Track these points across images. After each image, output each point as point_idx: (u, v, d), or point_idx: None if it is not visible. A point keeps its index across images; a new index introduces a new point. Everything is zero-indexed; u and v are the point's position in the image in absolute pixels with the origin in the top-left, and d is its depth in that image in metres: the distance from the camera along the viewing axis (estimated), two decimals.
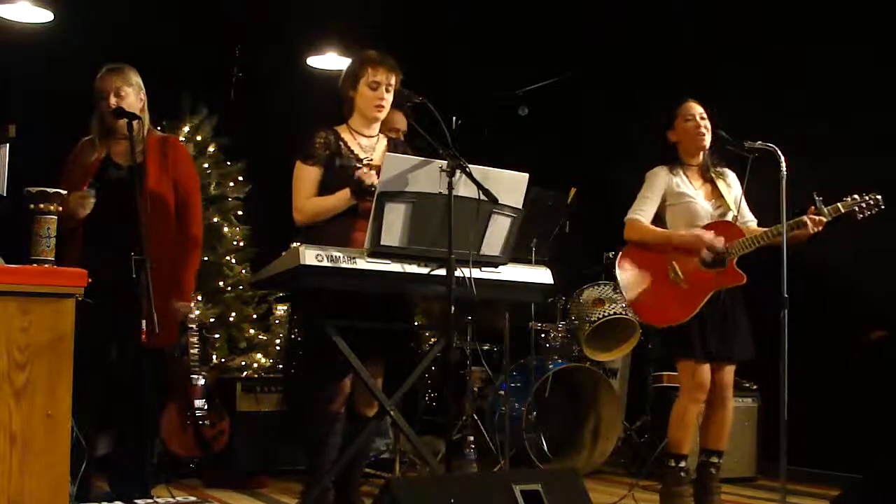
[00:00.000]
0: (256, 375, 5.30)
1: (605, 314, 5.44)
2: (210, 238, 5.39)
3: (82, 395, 2.76)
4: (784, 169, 3.65)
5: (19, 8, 5.33)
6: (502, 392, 5.29)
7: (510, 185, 3.35)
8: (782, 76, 5.32)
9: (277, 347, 5.59)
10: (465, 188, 3.24)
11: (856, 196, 3.84)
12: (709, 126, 4.07)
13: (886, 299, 4.77)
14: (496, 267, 3.43)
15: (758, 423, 5.19)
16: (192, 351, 4.89)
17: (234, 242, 5.73)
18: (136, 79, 3.80)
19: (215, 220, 5.63)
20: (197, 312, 4.97)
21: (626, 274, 4.10)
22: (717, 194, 4.10)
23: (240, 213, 5.81)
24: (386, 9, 5.70)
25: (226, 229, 5.70)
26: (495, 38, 6.32)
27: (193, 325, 4.91)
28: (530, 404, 5.26)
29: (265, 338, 5.70)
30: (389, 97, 3.61)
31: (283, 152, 3.80)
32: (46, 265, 2.67)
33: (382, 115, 3.65)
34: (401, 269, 3.25)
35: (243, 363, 5.45)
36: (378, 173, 3.30)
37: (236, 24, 5.89)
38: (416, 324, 4.02)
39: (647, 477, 4.74)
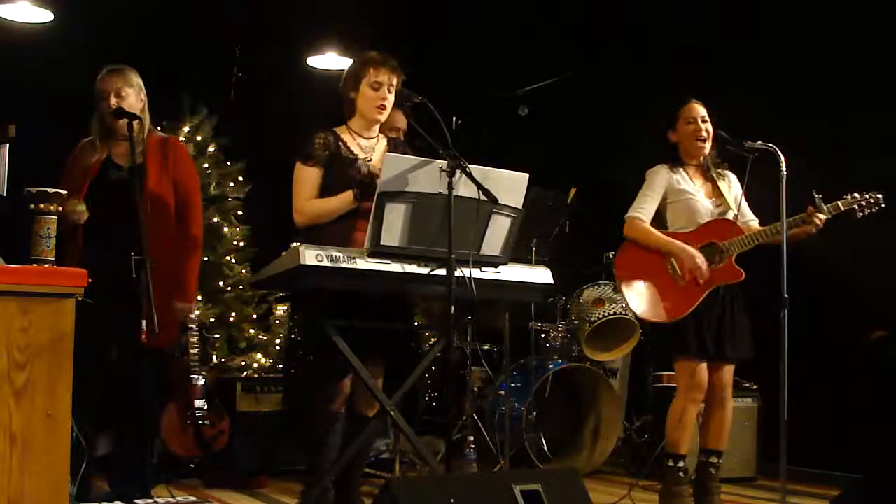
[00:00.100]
0: (256, 375, 5.30)
1: (605, 314, 5.44)
2: (210, 238, 5.39)
3: (82, 395, 2.76)
4: (784, 169, 3.65)
5: (19, 8, 5.33)
6: (502, 392, 5.29)
7: (510, 185, 3.35)
8: (782, 76, 5.32)
9: (277, 347, 5.60)
10: (465, 188, 3.24)
11: (856, 194, 3.85)
12: (710, 130, 4.06)
13: (886, 299, 4.76)
14: (496, 267, 3.43)
15: (758, 423, 5.19)
16: (192, 351, 4.89)
17: (234, 242, 5.73)
18: (136, 79, 3.80)
19: (215, 220, 5.63)
20: (197, 312, 4.97)
21: (625, 271, 4.10)
22: (717, 193, 4.10)
23: (240, 213, 5.81)
24: (386, 9, 5.70)
25: (226, 229, 5.70)
26: (495, 38, 6.31)
27: (193, 325, 4.91)
28: (530, 404, 5.26)
29: (265, 338, 5.70)
30: (391, 98, 3.60)
31: (283, 152, 3.80)
32: (46, 265, 2.67)
33: (384, 116, 3.65)
34: (401, 269, 3.25)
35: (243, 363, 5.46)
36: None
37: (236, 24, 5.89)
38: (416, 324, 4.02)
39: (647, 477, 4.74)
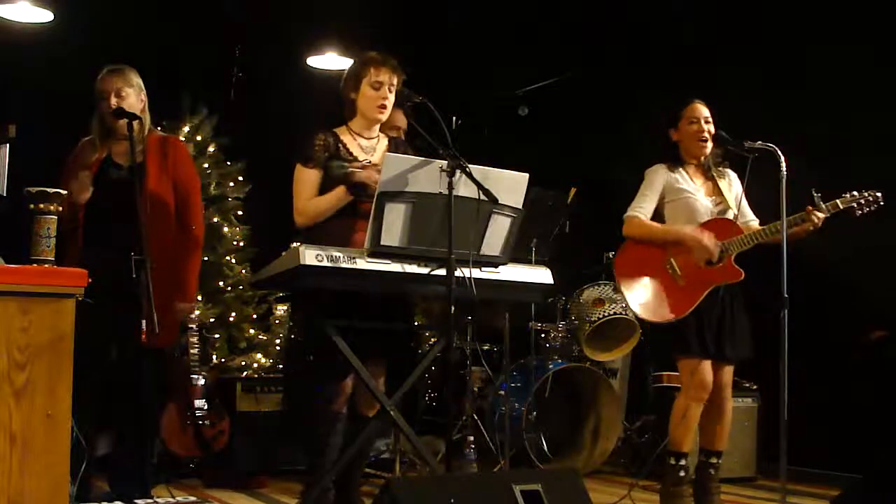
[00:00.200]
0: (256, 375, 5.30)
1: (605, 314, 5.44)
2: (210, 238, 5.39)
3: (82, 395, 2.76)
4: (784, 169, 3.64)
5: (19, 8, 5.33)
6: (502, 392, 5.29)
7: (510, 185, 3.35)
8: (782, 76, 5.32)
9: (277, 347, 5.60)
10: (465, 188, 3.24)
11: (855, 192, 3.84)
12: (712, 131, 4.06)
13: (886, 299, 4.76)
14: (496, 267, 3.43)
15: (758, 423, 5.18)
16: (192, 351, 4.89)
17: (234, 242, 5.73)
18: (136, 79, 3.80)
19: (215, 220, 5.63)
20: (197, 312, 4.97)
21: (625, 271, 4.10)
22: (717, 192, 4.10)
23: (240, 213, 5.82)
24: (386, 9, 5.70)
25: (226, 229, 5.70)
26: (495, 38, 6.31)
27: (193, 325, 4.91)
28: (530, 404, 5.26)
29: (265, 338, 5.70)
30: (392, 98, 3.60)
31: (283, 152, 3.80)
32: (46, 265, 2.66)
33: (384, 116, 3.65)
34: (401, 269, 3.25)
35: (243, 363, 5.46)
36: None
37: (236, 24, 5.89)
38: (416, 324, 4.02)
39: (647, 477, 4.74)
